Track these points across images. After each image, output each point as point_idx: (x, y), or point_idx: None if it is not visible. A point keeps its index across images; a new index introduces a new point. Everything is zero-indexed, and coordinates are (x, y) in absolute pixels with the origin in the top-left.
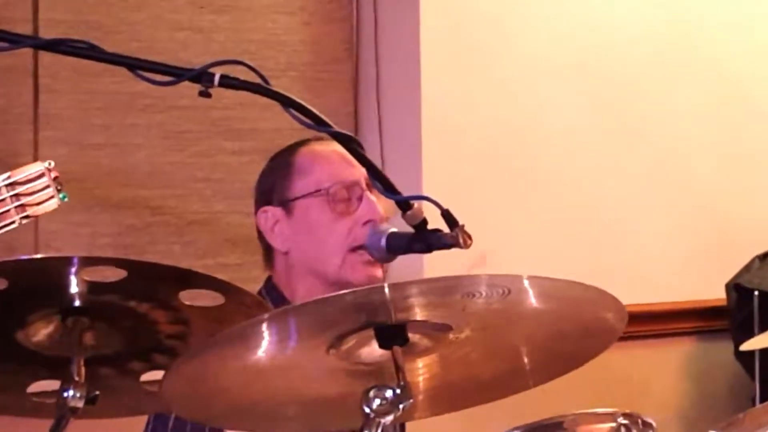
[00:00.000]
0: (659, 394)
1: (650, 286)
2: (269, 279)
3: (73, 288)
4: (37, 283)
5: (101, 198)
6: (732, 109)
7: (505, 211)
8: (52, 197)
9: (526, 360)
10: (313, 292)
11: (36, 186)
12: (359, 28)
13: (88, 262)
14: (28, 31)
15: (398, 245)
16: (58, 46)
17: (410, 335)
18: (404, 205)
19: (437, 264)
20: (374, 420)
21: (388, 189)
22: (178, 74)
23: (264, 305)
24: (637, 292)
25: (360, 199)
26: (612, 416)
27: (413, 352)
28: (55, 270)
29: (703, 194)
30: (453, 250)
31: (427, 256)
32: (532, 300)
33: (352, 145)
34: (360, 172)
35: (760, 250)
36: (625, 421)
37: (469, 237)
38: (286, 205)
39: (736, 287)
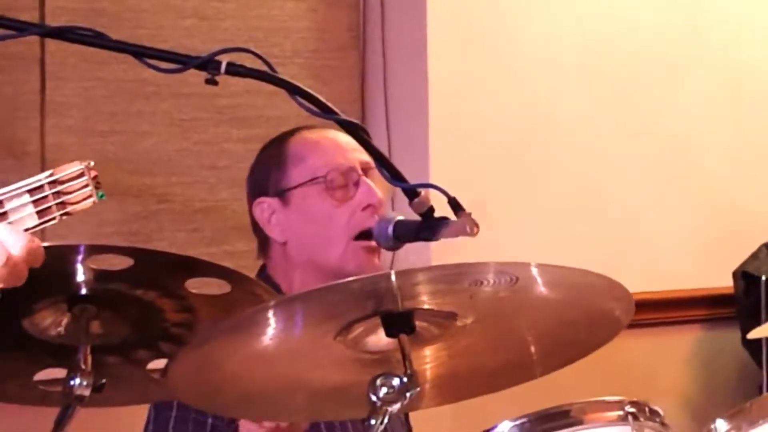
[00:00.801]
0: (666, 382)
1: (657, 274)
2: (263, 269)
3: (80, 276)
4: (43, 271)
5: (107, 185)
6: (739, 98)
7: (513, 199)
8: (90, 196)
9: (533, 349)
10: (309, 283)
11: (75, 185)
12: (366, 14)
13: (94, 250)
14: (35, 18)
15: (405, 233)
16: (64, 33)
17: (417, 323)
18: (411, 193)
19: (444, 252)
20: (381, 408)
21: (394, 177)
22: (184, 62)
23: (270, 293)
24: (644, 280)
25: (357, 184)
26: (619, 404)
27: (420, 340)
28: (61, 258)
29: (710, 183)
30: (460, 238)
31: (434, 245)
32: (540, 288)
33: (359, 132)
34: (355, 157)
35: None
36: (633, 409)
37: (477, 225)
38: (282, 195)
39: (743, 275)
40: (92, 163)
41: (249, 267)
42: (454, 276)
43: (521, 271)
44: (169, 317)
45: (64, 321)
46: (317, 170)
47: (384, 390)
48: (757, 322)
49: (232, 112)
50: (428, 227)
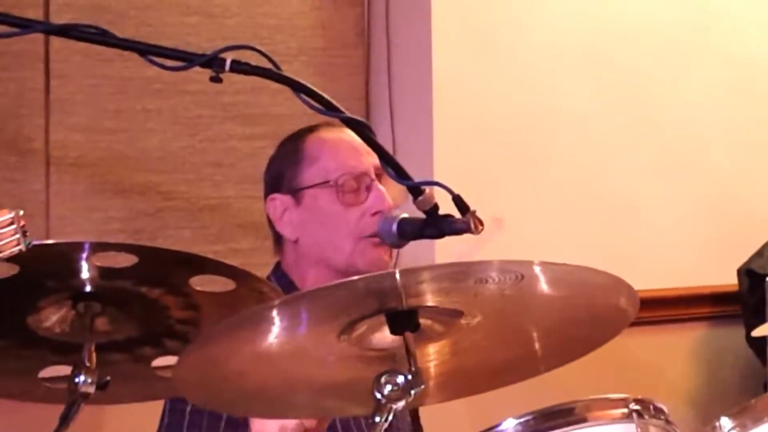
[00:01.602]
0: (671, 380)
1: (662, 272)
2: (278, 266)
3: (85, 273)
4: (48, 268)
5: (112, 183)
6: (745, 93)
7: (517, 196)
8: (18, 244)
9: (537, 345)
10: (323, 279)
11: (5, 232)
12: (371, 12)
13: (99, 247)
14: (39, 16)
15: (409, 231)
16: (68, 31)
17: (422, 321)
18: (415, 190)
19: (449, 250)
20: (385, 406)
21: (399, 174)
22: (189, 59)
23: (275, 290)
24: (649, 278)
25: (369, 188)
26: (624, 401)
27: (425, 338)
28: (66, 255)
29: (715, 180)
30: (464, 235)
31: (438, 242)
32: (544, 286)
33: (363, 130)
34: (369, 161)
35: None
36: (637, 407)
37: (481, 222)
38: (295, 193)
39: (748, 273)
40: (21, 212)
41: (254, 264)
42: (458, 274)
43: (525, 268)
44: (173, 314)
45: (69, 318)
46: (330, 173)
47: (388, 387)
48: (762, 320)
49: (237, 109)
50: (433, 225)
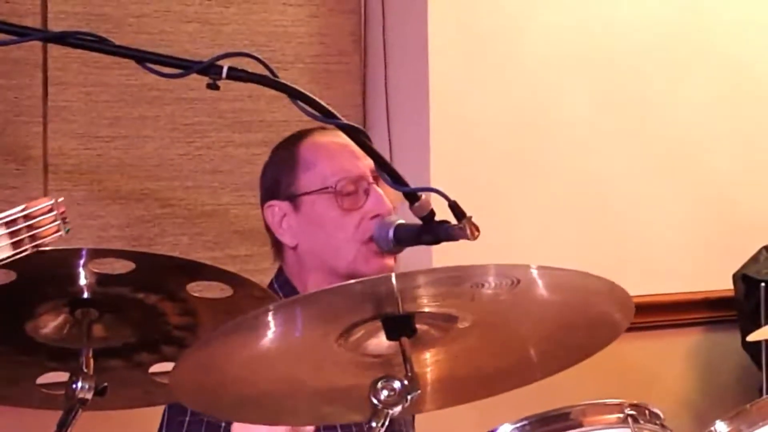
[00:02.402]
0: (667, 385)
1: (658, 277)
2: (281, 272)
3: (82, 280)
4: (45, 274)
5: (110, 190)
6: (741, 99)
7: (514, 202)
8: (58, 230)
9: (533, 351)
10: (324, 284)
11: (45, 219)
12: (367, 19)
13: (96, 254)
14: (37, 23)
15: (406, 237)
16: (66, 38)
17: (418, 326)
18: (412, 196)
19: (445, 256)
20: (382, 411)
21: (395, 180)
22: (186, 66)
23: (272, 297)
24: (645, 283)
25: (367, 192)
26: (619, 407)
27: (421, 343)
28: (63, 262)
29: (711, 185)
30: (461, 241)
31: (435, 248)
32: (540, 290)
33: (360, 136)
34: (366, 165)
35: None
36: (633, 412)
37: (477, 229)
38: (292, 199)
39: (743, 278)
40: (61, 199)
41: (251, 271)
42: (454, 278)
43: (521, 273)
44: (171, 320)
45: (67, 324)
46: (327, 178)
47: (385, 393)
48: (757, 325)
49: (234, 116)
50: (429, 231)
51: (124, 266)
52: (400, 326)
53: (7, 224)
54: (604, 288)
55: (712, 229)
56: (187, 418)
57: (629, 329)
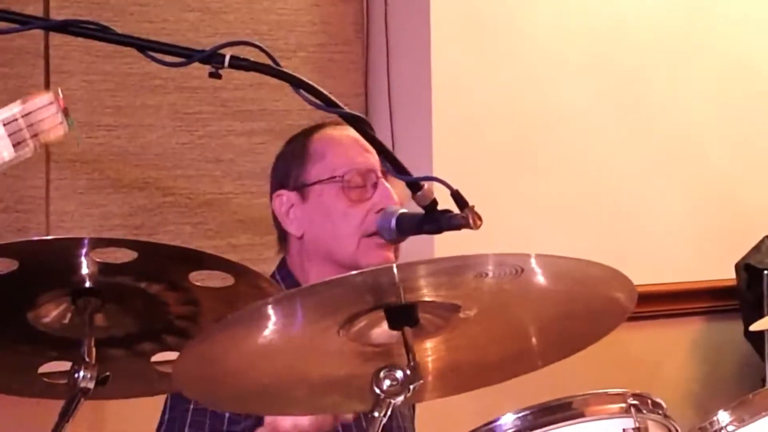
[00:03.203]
0: (669, 374)
1: (660, 266)
2: (283, 262)
3: (84, 269)
4: (47, 264)
5: (112, 179)
6: (743, 90)
7: (516, 192)
8: (60, 123)
9: (535, 340)
10: (327, 276)
11: (46, 113)
12: (369, 9)
13: (98, 243)
14: (39, 12)
15: (408, 226)
16: (68, 27)
17: (420, 316)
18: (414, 186)
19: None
20: (384, 401)
21: (398, 170)
22: (188, 55)
23: (274, 286)
24: (647, 272)
25: (375, 186)
26: (622, 396)
27: (423, 333)
28: (65, 251)
29: (713, 175)
30: (463, 231)
31: (437, 238)
32: (542, 279)
33: (362, 126)
34: (375, 159)
35: None
36: (635, 401)
37: (479, 218)
38: (301, 189)
39: (746, 267)
40: (61, 93)
41: (253, 260)
42: (456, 268)
43: (523, 262)
44: (173, 310)
45: (69, 314)
46: (336, 169)
47: (387, 382)
48: (760, 315)
49: (236, 105)
50: (431, 220)
51: (126, 255)
52: (403, 316)
53: (6, 125)
54: (606, 276)
55: (714, 218)
56: (191, 406)
57: (631, 319)
